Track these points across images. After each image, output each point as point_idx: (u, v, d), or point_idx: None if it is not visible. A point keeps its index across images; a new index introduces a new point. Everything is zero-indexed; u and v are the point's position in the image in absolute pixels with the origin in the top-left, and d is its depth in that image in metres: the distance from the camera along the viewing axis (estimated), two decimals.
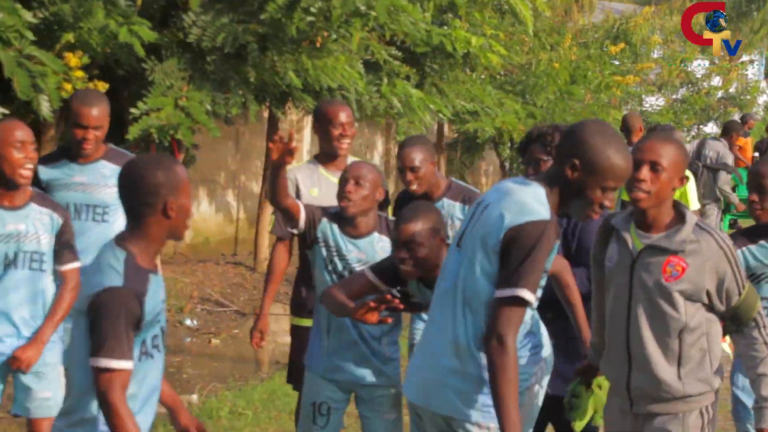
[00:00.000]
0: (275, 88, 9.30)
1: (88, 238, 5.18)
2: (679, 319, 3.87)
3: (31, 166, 4.78)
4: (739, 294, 3.90)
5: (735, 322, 3.98)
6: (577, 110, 15.14)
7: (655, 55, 22.84)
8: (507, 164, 16.32)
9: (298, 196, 5.30)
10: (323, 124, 5.57)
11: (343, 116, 5.50)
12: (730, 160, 13.79)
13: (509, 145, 14.50)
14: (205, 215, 12.91)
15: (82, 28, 7.80)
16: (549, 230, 3.47)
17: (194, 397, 7.65)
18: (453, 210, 5.56)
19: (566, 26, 16.71)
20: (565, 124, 6.02)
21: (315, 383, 4.84)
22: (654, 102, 23.07)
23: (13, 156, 4.66)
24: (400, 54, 10.38)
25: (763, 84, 32.65)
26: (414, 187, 5.46)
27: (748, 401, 4.98)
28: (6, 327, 4.78)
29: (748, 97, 26.10)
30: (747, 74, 30.39)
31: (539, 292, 3.61)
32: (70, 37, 7.83)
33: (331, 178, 5.41)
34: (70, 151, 5.46)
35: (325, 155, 5.66)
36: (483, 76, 12.59)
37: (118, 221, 5.04)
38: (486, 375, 3.52)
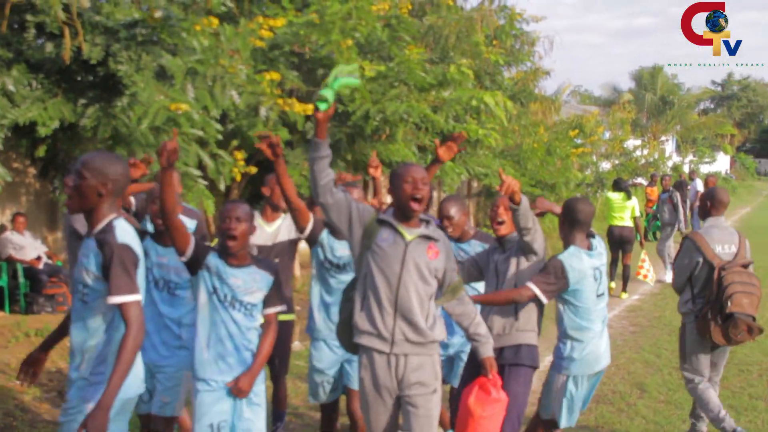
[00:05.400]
0: (362, 163, 9.77)
1: None
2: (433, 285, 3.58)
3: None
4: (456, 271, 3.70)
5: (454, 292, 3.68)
6: (552, 172, 15.33)
7: (606, 137, 23.04)
8: None
9: None
10: None
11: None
12: None
13: None
14: None
15: (249, 136, 8.29)
16: None
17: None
18: (477, 248, 4.86)
19: (543, 121, 16.83)
20: None
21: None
22: (605, 166, 23.18)
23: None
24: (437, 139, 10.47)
25: (673, 153, 32.98)
26: (450, 230, 4.80)
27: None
28: None
29: (660, 161, 26.36)
30: (665, 148, 30.61)
31: None
32: (236, 142, 8.39)
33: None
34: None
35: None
36: (488, 152, 12.59)
37: None
38: None
